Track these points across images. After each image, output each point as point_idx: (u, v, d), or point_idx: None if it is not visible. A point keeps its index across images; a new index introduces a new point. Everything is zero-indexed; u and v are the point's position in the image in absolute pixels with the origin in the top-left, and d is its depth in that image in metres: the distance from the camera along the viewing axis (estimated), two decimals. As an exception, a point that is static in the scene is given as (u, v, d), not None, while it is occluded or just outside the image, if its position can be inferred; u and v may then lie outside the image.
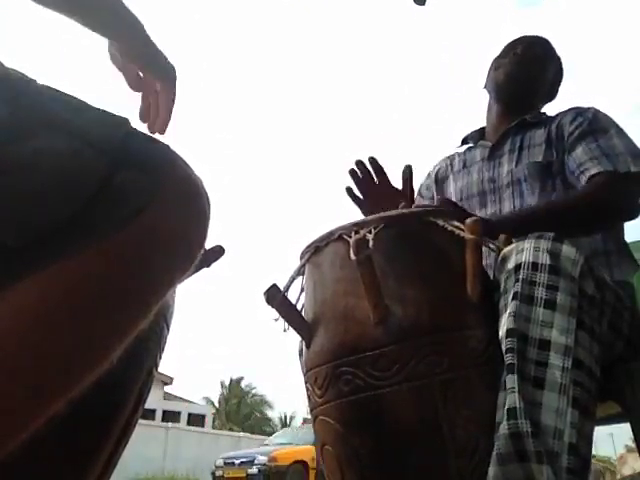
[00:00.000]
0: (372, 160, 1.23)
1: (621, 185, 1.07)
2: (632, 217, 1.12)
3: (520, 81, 1.31)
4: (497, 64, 1.36)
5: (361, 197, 1.24)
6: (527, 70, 1.31)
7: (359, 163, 1.22)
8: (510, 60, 1.32)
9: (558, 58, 1.38)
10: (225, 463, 10.53)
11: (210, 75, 58.63)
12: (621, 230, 1.17)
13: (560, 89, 1.40)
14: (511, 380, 0.69)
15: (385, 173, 1.24)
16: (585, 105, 1.23)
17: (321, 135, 59.55)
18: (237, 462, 10.23)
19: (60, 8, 0.67)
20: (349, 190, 1.23)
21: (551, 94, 1.39)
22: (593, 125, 1.15)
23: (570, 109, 1.24)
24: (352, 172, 1.22)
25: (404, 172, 1.19)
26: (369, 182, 1.23)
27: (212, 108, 58.10)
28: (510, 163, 1.24)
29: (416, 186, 1.30)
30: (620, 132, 1.14)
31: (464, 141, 1.43)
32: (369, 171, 1.23)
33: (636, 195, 1.10)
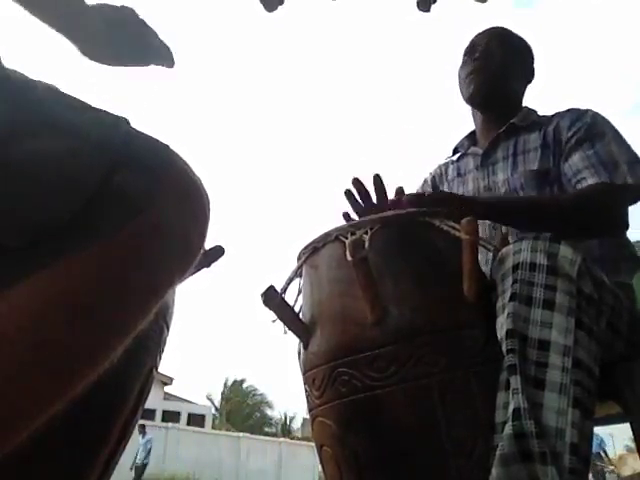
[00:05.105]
0: (376, 178, 1.05)
1: (615, 198, 1.05)
2: (619, 231, 1.10)
3: (494, 86, 1.26)
4: (464, 75, 1.30)
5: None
6: (496, 72, 1.25)
7: (356, 182, 1.06)
8: (475, 68, 1.27)
9: (519, 38, 1.32)
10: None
11: (210, 74, 58.69)
12: (613, 238, 1.13)
13: (536, 68, 1.34)
14: (514, 381, 0.69)
15: (386, 194, 1.06)
16: (583, 106, 1.19)
17: (321, 135, 59.59)
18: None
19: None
20: (346, 215, 1.05)
21: (529, 76, 1.34)
22: (590, 130, 1.12)
23: (568, 111, 1.21)
24: (348, 193, 1.06)
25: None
26: (366, 203, 1.06)
27: (212, 108, 58.14)
28: (505, 171, 1.21)
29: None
30: (618, 137, 1.12)
31: (455, 150, 1.41)
32: (367, 191, 1.06)
33: (627, 207, 1.08)
